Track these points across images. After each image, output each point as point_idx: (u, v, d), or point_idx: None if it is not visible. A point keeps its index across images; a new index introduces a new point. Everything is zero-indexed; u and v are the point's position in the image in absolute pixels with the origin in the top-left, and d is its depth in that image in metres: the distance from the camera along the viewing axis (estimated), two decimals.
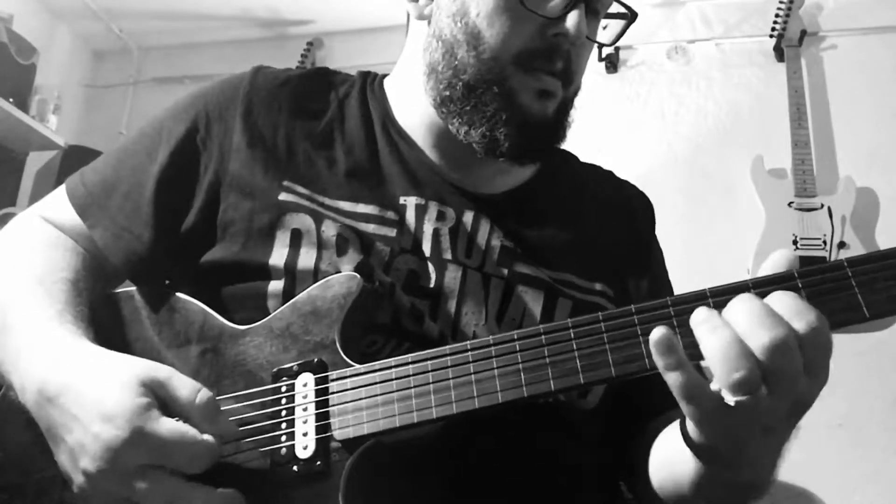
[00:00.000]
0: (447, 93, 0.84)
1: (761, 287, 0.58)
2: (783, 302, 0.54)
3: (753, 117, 2.75)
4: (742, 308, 0.54)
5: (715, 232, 2.61)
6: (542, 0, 0.80)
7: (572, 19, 0.80)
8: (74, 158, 3.01)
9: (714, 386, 0.54)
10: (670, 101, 2.87)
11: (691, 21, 2.96)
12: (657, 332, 0.54)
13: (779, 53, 2.75)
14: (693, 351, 0.55)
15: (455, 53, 0.83)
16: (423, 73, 0.87)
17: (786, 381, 0.53)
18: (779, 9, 2.72)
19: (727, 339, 0.52)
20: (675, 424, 0.71)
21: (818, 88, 2.70)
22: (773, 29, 2.74)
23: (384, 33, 3.06)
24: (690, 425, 0.61)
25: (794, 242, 2.39)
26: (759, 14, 2.84)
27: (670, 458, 0.72)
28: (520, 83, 0.82)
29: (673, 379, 0.55)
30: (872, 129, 2.60)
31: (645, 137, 2.83)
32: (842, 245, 2.37)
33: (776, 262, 0.59)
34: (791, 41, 2.68)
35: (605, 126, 2.78)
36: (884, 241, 2.43)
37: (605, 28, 0.91)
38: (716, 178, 2.70)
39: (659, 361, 0.54)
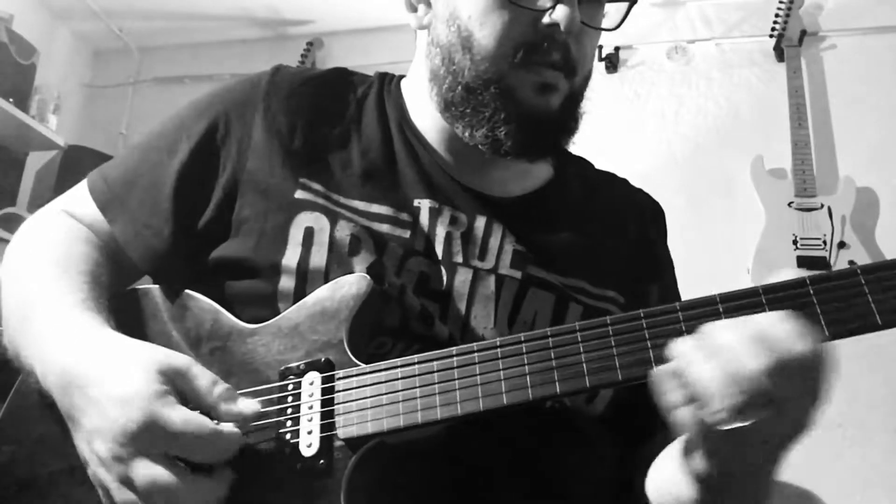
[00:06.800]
0: (449, 97, 0.85)
1: (770, 293, 0.58)
2: (772, 325, 0.54)
3: (753, 117, 2.75)
4: (733, 335, 0.54)
5: (715, 232, 2.61)
6: None
7: (561, 9, 0.79)
8: (74, 158, 3.02)
9: (709, 414, 0.54)
10: (670, 101, 2.87)
11: (691, 21, 2.96)
12: (657, 374, 0.56)
13: (779, 53, 2.75)
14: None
15: (452, 58, 0.84)
16: (427, 80, 0.89)
17: (781, 405, 0.53)
18: (779, 9, 2.72)
19: (719, 369, 0.53)
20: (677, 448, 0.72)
21: (818, 88, 2.70)
22: (773, 29, 2.74)
23: (384, 33, 3.07)
24: (688, 451, 0.62)
25: (794, 242, 2.39)
26: (759, 14, 2.85)
27: (674, 481, 0.71)
28: (518, 80, 0.81)
29: (670, 413, 0.56)
30: (872, 129, 2.60)
31: (645, 137, 2.83)
32: (842, 245, 2.37)
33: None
34: (791, 41, 2.69)
35: (605, 126, 2.78)
36: (884, 241, 2.43)
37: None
38: (716, 178, 2.70)
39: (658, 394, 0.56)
